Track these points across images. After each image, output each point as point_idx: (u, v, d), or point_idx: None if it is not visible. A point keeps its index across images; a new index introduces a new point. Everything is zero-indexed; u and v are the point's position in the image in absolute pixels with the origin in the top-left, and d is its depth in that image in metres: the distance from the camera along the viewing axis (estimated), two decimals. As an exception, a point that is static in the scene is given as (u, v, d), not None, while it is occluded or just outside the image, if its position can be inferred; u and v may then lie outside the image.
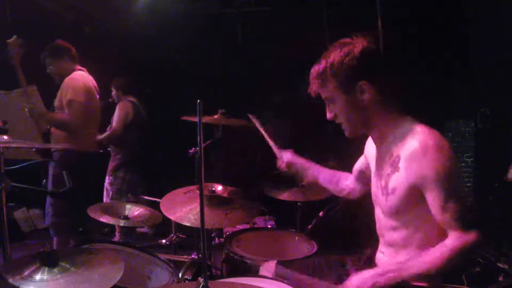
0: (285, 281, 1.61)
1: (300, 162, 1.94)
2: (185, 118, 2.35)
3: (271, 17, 4.92)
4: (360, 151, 1.83)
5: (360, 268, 1.66)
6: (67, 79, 3.11)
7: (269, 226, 3.23)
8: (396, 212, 1.43)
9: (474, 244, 1.28)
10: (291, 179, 2.74)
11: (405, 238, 1.44)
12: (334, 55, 1.43)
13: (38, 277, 1.35)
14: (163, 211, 2.12)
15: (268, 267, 1.76)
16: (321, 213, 2.54)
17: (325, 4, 4.52)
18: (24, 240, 4.44)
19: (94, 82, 3.36)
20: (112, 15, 4.59)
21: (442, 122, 3.97)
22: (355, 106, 1.44)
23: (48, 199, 3.27)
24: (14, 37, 2.93)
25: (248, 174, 4.39)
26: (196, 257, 2.60)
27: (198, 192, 1.19)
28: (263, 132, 2.07)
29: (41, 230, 4.85)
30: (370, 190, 1.64)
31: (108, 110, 4.33)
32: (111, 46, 4.83)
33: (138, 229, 4.53)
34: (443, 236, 1.42)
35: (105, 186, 4.34)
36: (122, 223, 2.40)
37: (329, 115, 1.53)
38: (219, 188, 2.25)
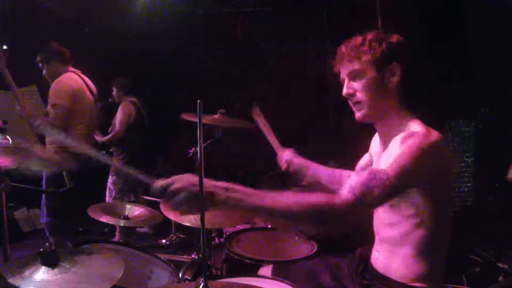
0: (285, 281, 1.61)
1: (301, 161, 1.93)
2: (185, 117, 2.35)
3: (271, 17, 4.92)
4: (359, 152, 1.83)
5: (356, 268, 1.66)
6: (53, 83, 3.14)
7: (269, 226, 3.22)
8: (394, 206, 1.41)
9: (343, 207, 1.19)
10: (291, 179, 2.75)
11: (403, 234, 1.42)
12: (373, 35, 1.45)
13: (38, 277, 1.35)
14: (163, 211, 2.12)
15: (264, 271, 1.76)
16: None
17: (325, 4, 4.52)
18: (24, 240, 4.44)
19: (89, 83, 3.35)
20: (112, 15, 4.58)
21: (442, 122, 3.97)
22: (381, 86, 1.44)
23: (43, 199, 3.27)
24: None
25: (248, 174, 4.39)
26: (196, 257, 2.60)
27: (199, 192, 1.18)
28: (264, 128, 2.06)
29: (41, 230, 4.84)
30: None
31: (109, 110, 4.33)
32: (111, 46, 4.84)
33: (138, 229, 4.53)
34: (445, 235, 1.43)
35: (107, 186, 4.35)
36: (122, 223, 2.40)
37: (346, 91, 1.49)
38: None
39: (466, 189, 3.93)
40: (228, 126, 2.55)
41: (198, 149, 1.18)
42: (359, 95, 1.46)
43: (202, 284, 1.11)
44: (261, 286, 1.41)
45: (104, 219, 2.37)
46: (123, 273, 1.40)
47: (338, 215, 1.21)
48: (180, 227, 3.61)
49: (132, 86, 4.48)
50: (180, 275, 1.94)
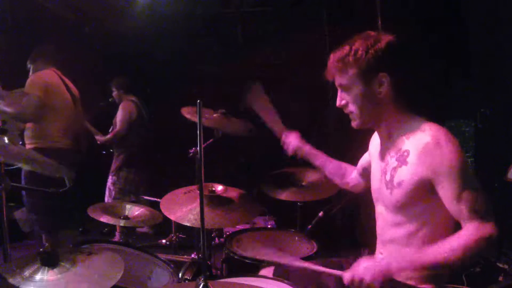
0: (285, 281, 1.61)
1: (308, 149, 1.90)
2: (185, 114, 2.35)
3: (271, 17, 4.91)
4: (360, 150, 1.83)
5: None
6: (28, 79, 3.16)
7: (269, 226, 3.23)
8: (402, 206, 1.41)
9: (492, 236, 1.27)
10: (291, 179, 2.75)
11: (410, 234, 1.42)
12: (360, 43, 1.42)
13: (38, 277, 1.35)
14: (163, 211, 2.12)
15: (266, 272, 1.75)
16: (321, 213, 2.55)
17: (325, 4, 4.52)
18: (24, 240, 4.44)
19: (69, 83, 3.38)
20: (112, 15, 4.58)
21: (442, 122, 3.97)
22: (370, 97, 1.44)
23: (24, 196, 3.28)
24: None
25: (248, 174, 4.39)
26: (196, 257, 2.60)
27: (198, 192, 1.18)
28: (265, 109, 1.97)
29: (41, 230, 4.85)
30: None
31: (109, 110, 4.33)
32: (111, 46, 4.84)
33: (138, 229, 4.53)
34: (450, 234, 1.42)
35: (107, 186, 4.35)
36: (122, 223, 2.41)
37: (339, 103, 1.51)
38: (219, 188, 2.25)
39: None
40: (227, 131, 2.55)
41: (198, 149, 1.18)
42: (351, 107, 1.48)
43: (202, 284, 1.11)
44: (261, 286, 1.41)
45: (104, 219, 2.38)
46: (123, 273, 1.40)
47: (490, 239, 1.29)
48: (180, 227, 3.60)
49: (131, 85, 4.48)
50: (180, 275, 1.94)
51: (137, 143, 4.37)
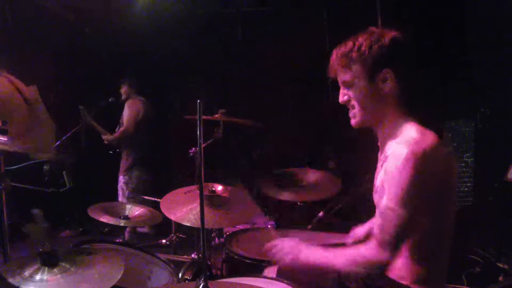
0: (285, 281, 1.61)
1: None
2: (188, 117, 2.35)
3: (271, 17, 4.91)
4: (359, 152, 1.83)
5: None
6: None
7: (269, 226, 3.22)
8: None
9: (379, 263, 1.33)
10: (291, 179, 2.76)
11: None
12: (363, 39, 1.39)
13: (38, 277, 1.35)
14: (163, 211, 2.12)
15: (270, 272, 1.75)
16: (321, 213, 2.54)
17: (325, 4, 4.52)
18: (24, 240, 4.44)
19: (20, 86, 3.34)
20: (112, 15, 4.58)
21: (442, 122, 3.97)
22: (373, 94, 1.41)
23: None
24: None
25: (248, 174, 4.39)
26: (196, 257, 2.60)
27: (198, 192, 1.18)
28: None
29: (41, 230, 4.86)
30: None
31: (109, 110, 4.33)
32: (111, 46, 4.84)
33: (138, 229, 4.53)
34: (443, 239, 1.42)
35: (119, 186, 4.34)
36: (122, 223, 2.40)
37: (341, 99, 1.47)
38: (219, 188, 2.25)
39: (466, 189, 3.93)
40: (229, 124, 2.55)
41: (198, 149, 1.18)
42: (353, 103, 1.45)
43: (202, 284, 1.11)
44: (261, 286, 1.41)
45: (104, 219, 2.38)
46: (123, 273, 1.40)
47: (378, 264, 1.35)
48: (180, 227, 3.60)
49: (141, 86, 4.48)
50: (180, 275, 1.94)
51: (147, 142, 4.37)
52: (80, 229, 4.72)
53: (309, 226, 2.46)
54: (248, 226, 2.91)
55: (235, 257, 2.04)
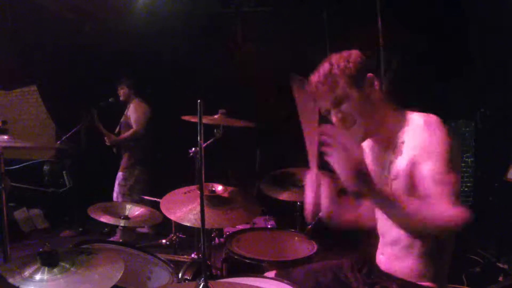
0: (285, 281, 1.61)
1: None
2: (185, 118, 2.36)
3: (271, 17, 4.91)
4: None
5: (360, 268, 1.66)
6: None
7: (269, 226, 3.23)
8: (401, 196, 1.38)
9: (464, 219, 1.21)
10: (291, 179, 2.76)
11: (413, 234, 1.41)
12: (337, 57, 1.45)
13: (38, 277, 1.35)
14: (163, 211, 2.12)
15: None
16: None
17: (325, 4, 4.52)
18: (24, 240, 4.44)
19: None
20: (112, 15, 4.58)
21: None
22: (367, 99, 1.43)
23: None
24: None
25: (248, 174, 4.39)
26: (196, 257, 2.60)
27: (198, 192, 1.18)
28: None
29: (41, 230, 4.86)
30: None
31: (108, 110, 4.33)
32: (111, 46, 4.83)
33: (138, 229, 4.53)
34: (446, 237, 1.43)
35: (117, 183, 4.34)
36: (122, 223, 2.40)
37: (336, 118, 1.46)
38: (219, 188, 2.25)
39: (466, 189, 3.93)
40: (229, 125, 2.55)
41: (198, 149, 1.18)
42: (352, 116, 1.44)
43: (202, 284, 1.11)
44: (261, 286, 1.41)
45: (104, 219, 2.37)
46: (123, 273, 1.40)
47: (457, 225, 1.23)
48: (180, 227, 3.60)
49: (140, 87, 4.49)
50: (180, 275, 1.94)
51: (148, 143, 4.38)
52: (80, 229, 4.72)
53: (309, 226, 2.46)
54: (248, 226, 2.92)
55: (235, 257, 2.04)
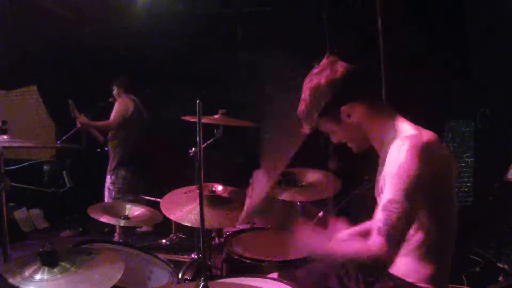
0: (285, 281, 1.61)
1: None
2: (185, 118, 2.36)
3: (271, 17, 4.91)
4: (359, 154, 1.82)
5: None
6: None
7: (269, 226, 3.22)
8: None
9: (387, 259, 1.23)
10: (291, 179, 2.75)
11: (409, 241, 1.40)
12: (308, 93, 1.45)
13: (38, 277, 1.35)
14: (163, 211, 2.12)
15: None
16: (321, 213, 2.54)
17: (325, 4, 4.51)
18: (24, 240, 4.44)
19: None
20: (112, 15, 4.59)
21: (442, 122, 3.97)
22: (350, 128, 1.47)
23: None
24: None
25: (248, 174, 4.39)
26: (196, 257, 2.60)
27: (198, 192, 1.19)
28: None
29: (41, 230, 4.86)
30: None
31: (109, 110, 4.33)
32: (110, 46, 4.84)
33: (138, 229, 4.53)
34: (448, 238, 1.42)
35: (106, 186, 4.34)
36: (122, 223, 2.40)
37: (335, 141, 1.56)
38: (219, 188, 2.25)
39: (466, 189, 3.93)
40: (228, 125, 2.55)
41: (198, 149, 1.18)
42: (344, 140, 1.53)
43: (202, 284, 1.11)
44: (261, 286, 1.41)
45: (104, 219, 2.37)
46: (123, 273, 1.40)
47: (384, 259, 1.23)
48: (180, 227, 3.61)
49: (132, 85, 4.47)
50: (180, 275, 1.94)
51: (134, 142, 4.35)
52: (80, 229, 4.72)
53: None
54: (248, 226, 2.91)
55: (235, 257, 2.04)
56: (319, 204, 2.59)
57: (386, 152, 1.42)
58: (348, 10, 4.21)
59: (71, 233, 4.68)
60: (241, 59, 5.02)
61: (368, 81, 1.50)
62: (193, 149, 2.61)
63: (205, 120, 2.36)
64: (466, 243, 3.35)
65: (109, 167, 4.34)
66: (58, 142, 4.41)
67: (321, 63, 1.47)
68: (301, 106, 1.49)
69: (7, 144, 1.96)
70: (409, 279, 1.43)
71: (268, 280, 1.65)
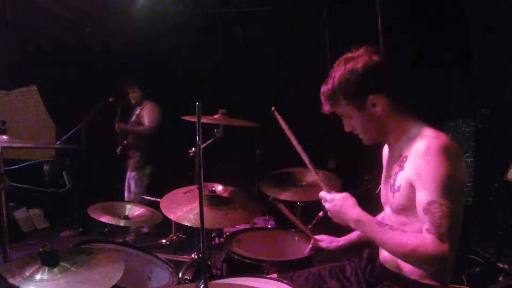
0: (285, 281, 1.61)
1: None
2: (185, 118, 2.36)
3: (271, 17, 4.91)
4: (359, 153, 1.83)
5: (360, 271, 1.67)
6: None
7: (269, 226, 3.22)
8: (403, 209, 1.43)
9: (440, 256, 1.25)
10: (291, 179, 2.75)
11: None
12: (340, 74, 1.45)
13: (38, 277, 1.35)
14: (163, 211, 2.12)
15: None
16: (321, 213, 2.54)
17: (325, 4, 4.51)
18: (24, 240, 4.44)
19: None
20: (112, 15, 4.58)
21: (442, 122, 3.97)
22: (370, 118, 1.47)
23: None
24: None
25: (248, 174, 4.39)
26: (196, 257, 2.60)
27: (198, 192, 1.19)
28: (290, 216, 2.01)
29: (41, 230, 4.86)
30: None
31: (108, 110, 4.33)
32: (110, 46, 4.84)
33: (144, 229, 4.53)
34: (456, 239, 1.42)
35: (128, 182, 4.37)
36: (122, 223, 2.40)
37: (346, 129, 1.56)
38: (219, 188, 2.25)
39: (466, 189, 3.92)
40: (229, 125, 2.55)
41: (198, 149, 1.18)
42: (357, 130, 1.53)
43: (202, 284, 1.11)
44: (261, 286, 1.41)
45: (104, 219, 2.37)
46: (123, 273, 1.40)
47: (440, 258, 1.26)
48: (180, 227, 3.60)
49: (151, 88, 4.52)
50: (180, 275, 1.94)
51: (157, 142, 4.40)
52: (80, 229, 4.72)
53: (309, 226, 2.46)
54: (248, 226, 2.92)
55: (235, 257, 2.04)
56: (319, 204, 2.59)
57: (400, 149, 1.46)
58: (349, 9, 4.21)
59: (71, 233, 4.68)
60: (241, 59, 5.01)
61: (400, 78, 1.52)
62: (193, 149, 2.60)
63: (205, 120, 2.36)
64: (466, 243, 3.35)
65: (133, 164, 4.38)
66: (58, 142, 4.40)
67: (359, 50, 1.48)
68: (328, 85, 1.48)
69: (7, 144, 1.96)
70: (413, 276, 1.44)
71: (268, 280, 1.65)
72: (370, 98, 1.44)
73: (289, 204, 2.75)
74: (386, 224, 1.40)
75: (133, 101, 4.45)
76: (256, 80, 4.73)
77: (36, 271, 1.37)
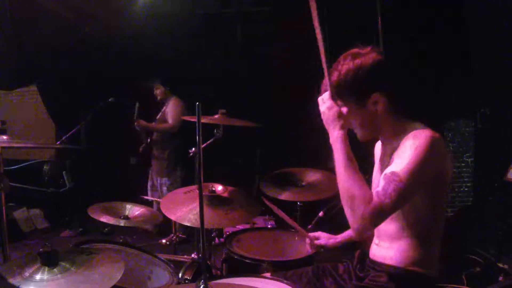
0: (285, 281, 1.61)
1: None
2: (185, 118, 2.36)
3: (271, 17, 4.91)
4: (359, 152, 1.83)
5: (354, 268, 1.67)
6: None
7: (269, 226, 3.23)
8: None
9: (369, 223, 1.30)
10: (291, 179, 2.76)
11: (402, 228, 1.46)
12: (348, 68, 1.44)
13: (38, 277, 1.35)
14: (163, 211, 2.12)
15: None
16: (321, 213, 2.55)
17: (325, 3, 4.51)
18: (24, 240, 4.44)
19: None
20: (112, 15, 4.58)
21: (442, 122, 3.97)
22: (368, 116, 1.48)
23: None
24: None
25: (248, 174, 4.39)
26: (196, 257, 2.60)
27: (198, 192, 1.19)
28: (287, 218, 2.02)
29: (41, 230, 4.86)
30: None
31: (109, 110, 4.33)
32: (110, 46, 4.84)
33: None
34: (440, 227, 1.48)
35: (159, 188, 4.34)
36: (122, 223, 2.40)
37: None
38: (219, 188, 2.25)
39: (466, 189, 3.93)
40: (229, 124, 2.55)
41: (198, 149, 1.18)
42: (354, 124, 1.53)
43: (202, 284, 1.11)
44: (261, 286, 1.41)
45: (104, 219, 2.37)
46: (123, 273, 1.40)
47: (359, 217, 1.31)
48: (180, 227, 3.60)
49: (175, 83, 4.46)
50: (180, 275, 1.94)
51: (181, 142, 4.32)
52: (80, 229, 4.72)
53: (309, 226, 2.46)
54: (248, 226, 2.92)
55: (235, 257, 2.04)
56: (319, 204, 2.59)
57: (392, 146, 1.48)
58: (349, 9, 4.21)
59: (71, 233, 4.68)
60: (241, 59, 5.01)
61: (400, 78, 1.53)
62: (193, 149, 2.61)
63: (205, 120, 2.36)
64: (466, 243, 3.35)
65: (163, 170, 4.32)
66: (58, 142, 4.40)
67: (366, 47, 1.48)
68: (333, 77, 1.47)
69: (7, 144, 1.97)
70: (400, 265, 1.48)
71: (268, 280, 1.65)
72: (373, 96, 1.44)
73: (289, 204, 2.76)
74: (355, 164, 1.41)
75: (158, 98, 4.38)
76: (256, 80, 4.73)
77: (36, 271, 1.37)
